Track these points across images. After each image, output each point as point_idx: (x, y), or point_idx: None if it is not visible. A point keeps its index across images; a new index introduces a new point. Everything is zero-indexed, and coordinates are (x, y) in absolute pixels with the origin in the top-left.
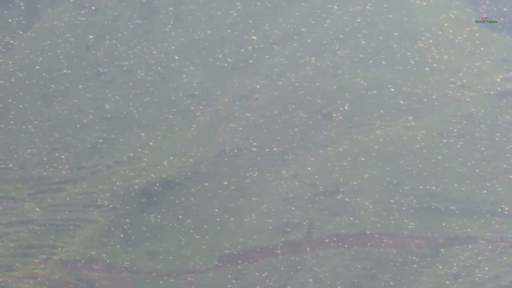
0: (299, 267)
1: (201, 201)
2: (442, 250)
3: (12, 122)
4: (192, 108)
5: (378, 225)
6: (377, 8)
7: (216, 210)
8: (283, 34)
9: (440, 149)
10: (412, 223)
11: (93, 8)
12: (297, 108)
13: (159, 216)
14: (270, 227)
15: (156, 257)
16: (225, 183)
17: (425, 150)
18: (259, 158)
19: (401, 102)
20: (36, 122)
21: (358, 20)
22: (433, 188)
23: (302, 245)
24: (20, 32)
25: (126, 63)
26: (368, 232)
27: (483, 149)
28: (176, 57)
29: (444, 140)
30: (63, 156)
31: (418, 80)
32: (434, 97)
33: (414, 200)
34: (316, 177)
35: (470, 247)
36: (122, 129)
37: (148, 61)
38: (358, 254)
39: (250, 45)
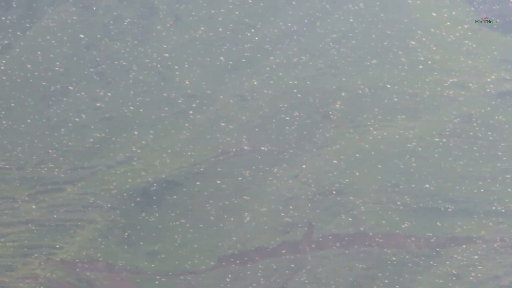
0: (298, 267)
1: (200, 201)
2: (442, 250)
3: (11, 122)
4: (191, 108)
5: (378, 225)
6: (375, 8)
7: (216, 210)
8: (281, 35)
9: (439, 149)
10: (412, 223)
11: (93, 8)
12: (295, 109)
13: (158, 216)
14: (269, 228)
15: (155, 257)
16: (224, 183)
17: (424, 150)
18: (258, 158)
19: (400, 102)
20: (36, 122)
21: (355, 21)
22: (433, 188)
23: (302, 245)
24: (20, 32)
25: (125, 63)
26: (367, 232)
27: (481, 149)
28: (175, 57)
29: (443, 140)
30: (62, 156)
31: (416, 80)
32: (432, 97)
33: (414, 200)
34: (315, 177)
35: (469, 247)
36: (121, 129)
37: (147, 61)
38: (358, 254)
39: (249, 45)
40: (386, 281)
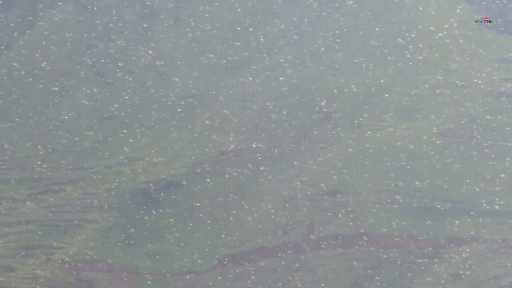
0: (299, 267)
1: (201, 201)
2: (442, 250)
3: (11, 123)
4: (192, 108)
5: (377, 225)
6: (375, 8)
7: (215, 210)
8: (281, 35)
9: (440, 149)
10: (411, 223)
11: (93, 8)
12: (296, 109)
13: (158, 216)
14: (269, 228)
15: (155, 257)
16: (224, 183)
17: (424, 150)
18: (259, 159)
19: (399, 102)
20: (36, 122)
21: (355, 21)
22: (432, 188)
23: (302, 245)
24: (20, 32)
25: (125, 63)
26: (367, 232)
27: (482, 149)
28: (175, 57)
29: (444, 140)
30: (62, 156)
31: (416, 80)
32: (431, 97)
33: (413, 200)
34: (315, 177)
35: (469, 247)
36: (121, 129)
37: (148, 61)
38: (358, 254)
39: (250, 45)
40: (386, 281)
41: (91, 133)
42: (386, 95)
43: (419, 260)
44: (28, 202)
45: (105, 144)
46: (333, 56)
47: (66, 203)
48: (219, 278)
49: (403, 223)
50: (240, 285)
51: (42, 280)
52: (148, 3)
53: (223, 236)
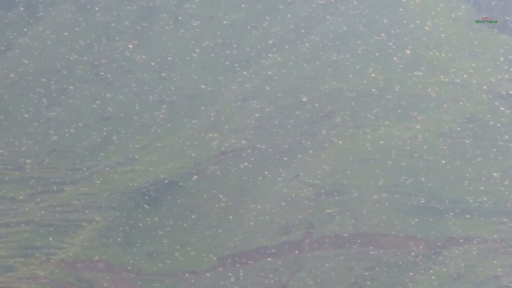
0: (298, 267)
1: (201, 201)
2: (442, 250)
3: (11, 123)
4: (192, 108)
5: (378, 225)
6: (375, 8)
7: (215, 210)
8: (281, 35)
9: (440, 149)
10: (412, 223)
11: (93, 8)
12: (297, 109)
13: (159, 216)
14: (269, 228)
15: (156, 257)
16: (224, 183)
17: (424, 150)
18: (258, 158)
19: (401, 102)
20: (36, 123)
21: (357, 21)
22: (433, 188)
23: (302, 245)
24: (20, 32)
25: (125, 63)
26: (368, 232)
27: (482, 149)
28: (176, 57)
29: (444, 140)
30: (62, 156)
31: (418, 81)
32: (432, 97)
33: (414, 200)
34: (316, 177)
35: (469, 247)
36: (122, 130)
37: (148, 61)
38: (358, 254)
39: (249, 45)
40: (385, 281)
41: (91, 133)
42: (387, 95)
43: (419, 260)
44: (28, 203)
45: (105, 144)
46: (333, 56)
47: (66, 203)
48: (219, 278)
49: (403, 223)
50: (240, 285)
51: (42, 280)
52: (148, 3)
53: (223, 236)
